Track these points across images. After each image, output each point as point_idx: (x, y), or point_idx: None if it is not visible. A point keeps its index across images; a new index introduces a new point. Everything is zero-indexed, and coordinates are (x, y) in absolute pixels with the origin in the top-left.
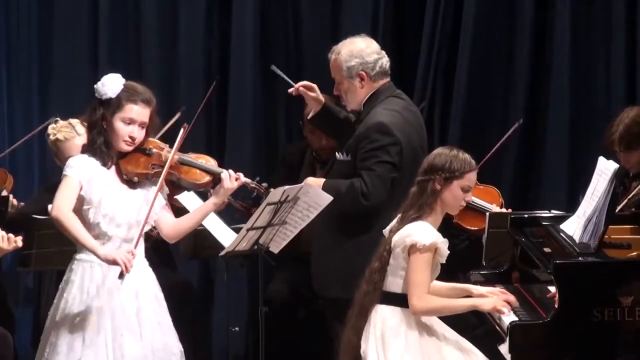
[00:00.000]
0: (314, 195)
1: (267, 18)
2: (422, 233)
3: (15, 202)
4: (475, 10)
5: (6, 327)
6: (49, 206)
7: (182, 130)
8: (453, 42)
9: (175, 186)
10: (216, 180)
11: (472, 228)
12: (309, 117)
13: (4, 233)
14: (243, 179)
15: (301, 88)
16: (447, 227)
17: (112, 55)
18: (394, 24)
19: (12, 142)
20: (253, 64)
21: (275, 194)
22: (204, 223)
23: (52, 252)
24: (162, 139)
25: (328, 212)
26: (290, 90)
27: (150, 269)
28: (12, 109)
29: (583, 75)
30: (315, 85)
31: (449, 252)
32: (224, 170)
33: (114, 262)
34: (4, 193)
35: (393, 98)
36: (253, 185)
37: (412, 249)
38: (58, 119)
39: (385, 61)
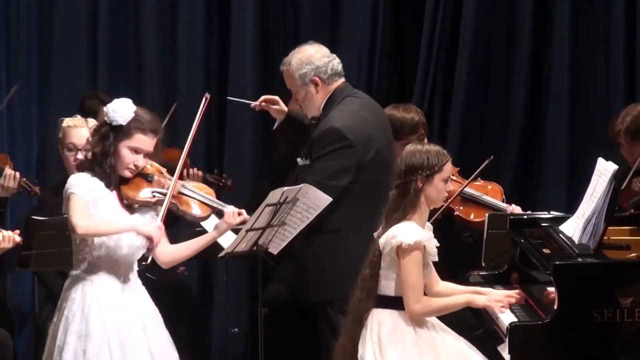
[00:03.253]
0: (313, 196)
1: (267, 18)
2: (406, 233)
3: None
4: (475, 10)
5: (6, 327)
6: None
7: (181, 159)
8: (453, 42)
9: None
10: (214, 213)
11: (475, 220)
12: (274, 128)
13: (4, 232)
14: (245, 215)
15: (263, 103)
16: (450, 223)
17: (112, 56)
18: (394, 23)
19: (12, 144)
20: (253, 64)
21: (275, 195)
22: (203, 224)
23: (51, 253)
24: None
25: None
26: (252, 105)
27: (144, 287)
28: (12, 110)
29: (583, 75)
30: (276, 98)
31: (437, 248)
32: (227, 206)
33: (149, 237)
34: (8, 170)
35: (350, 98)
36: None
37: (399, 250)
38: (78, 116)
39: (336, 63)
